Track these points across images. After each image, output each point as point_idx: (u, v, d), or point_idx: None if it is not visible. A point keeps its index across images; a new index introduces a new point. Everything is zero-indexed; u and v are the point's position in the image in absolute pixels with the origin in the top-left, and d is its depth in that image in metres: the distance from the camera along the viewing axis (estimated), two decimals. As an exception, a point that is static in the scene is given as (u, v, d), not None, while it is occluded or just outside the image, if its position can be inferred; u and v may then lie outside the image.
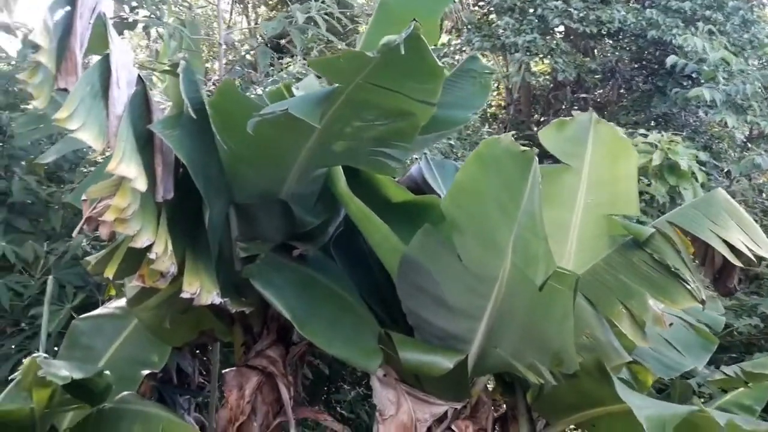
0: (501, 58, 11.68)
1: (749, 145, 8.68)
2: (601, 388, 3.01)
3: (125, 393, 2.91)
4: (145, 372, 3.51)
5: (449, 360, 2.93)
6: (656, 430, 2.55)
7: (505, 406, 3.66)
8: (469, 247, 2.70)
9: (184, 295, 2.43)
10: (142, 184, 2.04)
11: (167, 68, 2.34)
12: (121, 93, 2.11)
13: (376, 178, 3.15)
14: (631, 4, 9.81)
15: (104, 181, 2.19)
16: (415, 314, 3.10)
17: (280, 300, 2.78)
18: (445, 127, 3.23)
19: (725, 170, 8.55)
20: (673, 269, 2.95)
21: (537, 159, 2.18)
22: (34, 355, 2.30)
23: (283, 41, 4.56)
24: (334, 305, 3.00)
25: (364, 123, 2.47)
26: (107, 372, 2.82)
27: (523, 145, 2.32)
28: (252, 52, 4.11)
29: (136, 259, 2.35)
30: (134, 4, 3.38)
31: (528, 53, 9.58)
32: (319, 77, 3.37)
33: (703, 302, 2.92)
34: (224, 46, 3.80)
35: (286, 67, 4.65)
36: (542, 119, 12.21)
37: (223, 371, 3.24)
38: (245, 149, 2.57)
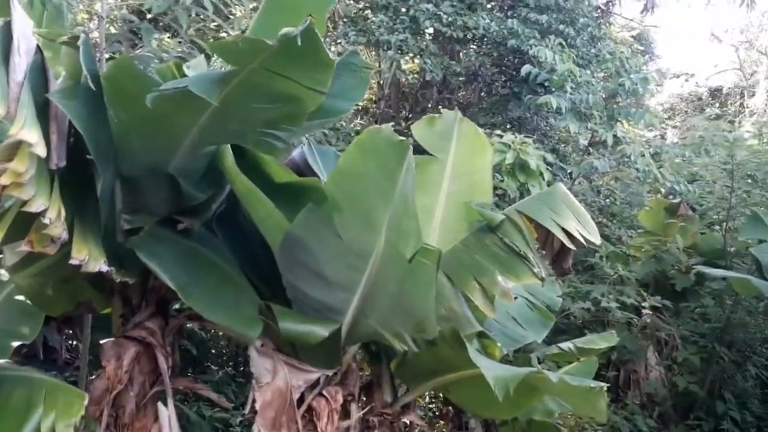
0: (374, 53, 12.10)
1: (590, 150, 9.69)
2: (456, 355, 3.41)
3: (1, 360, 2.89)
4: (16, 343, 3.47)
5: (325, 329, 3.20)
6: (501, 388, 2.96)
7: (370, 373, 3.99)
8: (348, 225, 2.98)
9: (73, 261, 2.49)
10: (42, 150, 2.10)
11: (66, 40, 2.38)
12: (22, 60, 2.15)
13: (262, 159, 3.33)
14: (495, 13, 10.55)
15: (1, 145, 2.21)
16: (294, 287, 3.33)
17: (164, 270, 2.90)
18: (327, 116, 3.47)
19: (569, 171, 9.49)
20: (519, 251, 3.40)
21: (411, 148, 2.49)
22: None
23: (165, 20, 4.57)
24: (217, 277, 3.16)
25: (256, 105, 2.66)
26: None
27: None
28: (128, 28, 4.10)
29: (24, 224, 2.38)
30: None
31: (400, 51, 10.03)
32: (208, 58, 3.49)
33: (542, 279, 3.40)
34: (105, 19, 3.79)
35: (162, 44, 4.65)
36: (410, 115, 12.77)
37: (101, 341, 3.28)
38: (136, 122, 2.66)
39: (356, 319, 3.34)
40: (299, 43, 2.19)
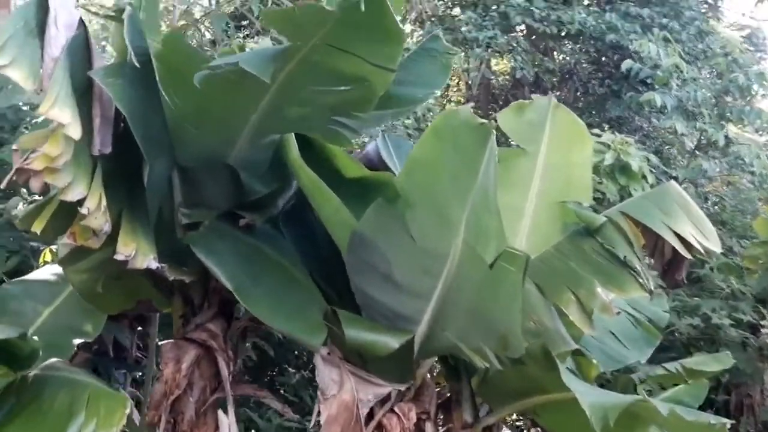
0: (463, 53, 11.72)
1: (697, 153, 8.89)
2: (546, 375, 2.99)
3: (53, 360, 2.74)
4: (78, 341, 3.35)
5: (395, 340, 2.87)
6: (599, 418, 2.53)
7: (448, 390, 3.62)
8: (421, 223, 2.64)
9: (118, 256, 2.29)
10: (75, 132, 1.89)
11: (111, 13, 2.19)
12: (59, 34, 1.96)
13: (331, 151, 3.05)
14: (591, 8, 9.92)
15: (38, 131, 2.04)
16: (363, 292, 3.03)
17: (223, 269, 2.67)
18: (403, 105, 3.16)
19: (674, 175, 8.73)
20: (623, 259, 2.94)
21: (494, 133, 2.12)
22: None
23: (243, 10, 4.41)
24: (280, 278, 2.90)
25: (319, 88, 2.38)
26: (35, 337, 2.66)
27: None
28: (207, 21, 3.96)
29: (68, 214, 2.20)
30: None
31: (488, 49, 9.59)
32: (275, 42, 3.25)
33: (650, 292, 2.93)
34: (178, 9, 3.64)
35: (243, 38, 4.50)
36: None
37: (160, 343, 3.10)
38: (191, 107, 2.43)
39: (431, 330, 2.99)
40: (362, 9, 1.87)
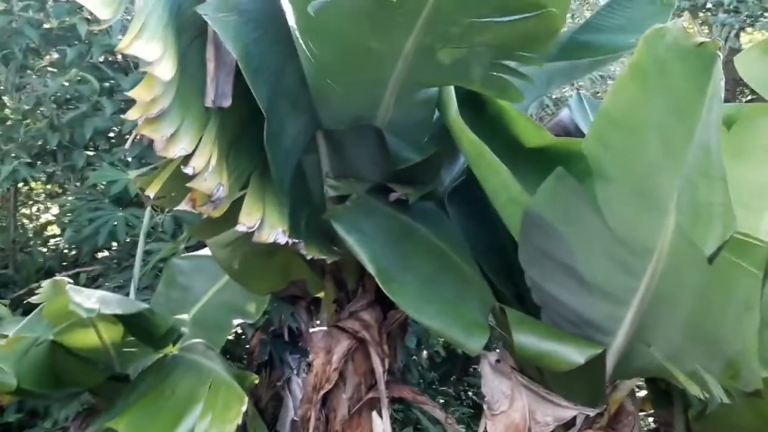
0: (701, 23, 10.09)
1: None
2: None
3: (195, 341, 2.59)
4: (238, 321, 3.22)
5: (580, 353, 2.22)
6: None
7: (655, 419, 2.86)
8: (616, 200, 1.98)
9: (240, 227, 1.99)
10: (165, 70, 1.60)
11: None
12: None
13: (506, 112, 2.48)
14: None
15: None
16: (540, 288, 2.42)
17: (365, 248, 2.25)
18: (602, 53, 2.48)
19: None
20: None
21: (720, 58, 1.41)
22: (57, 278, 1.99)
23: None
24: (436, 263, 2.41)
25: (476, 20, 1.84)
26: (175, 316, 2.51)
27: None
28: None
29: (182, 184, 1.94)
30: None
31: (736, 13, 8.08)
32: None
33: None
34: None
35: None
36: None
37: (311, 330, 2.80)
38: (332, 56, 2.05)
39: (631, 345, 2.30)
40: None
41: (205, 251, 3.45)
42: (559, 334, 2.35)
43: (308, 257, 2.31)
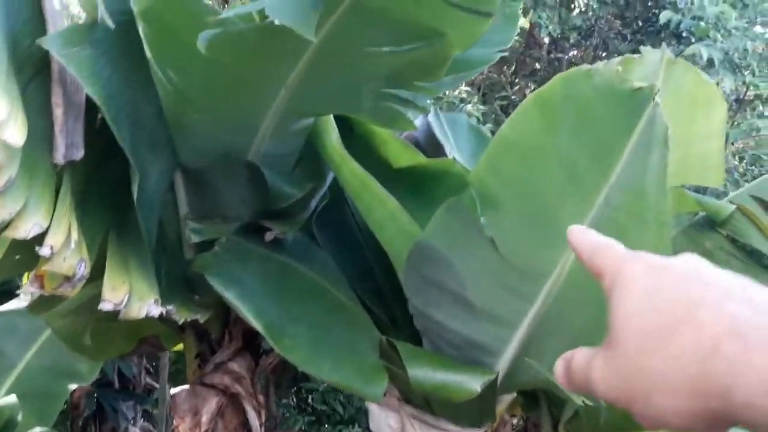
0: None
1: (746, 110, 8.15)
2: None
3: (37, 430, 2.10)
4: (72, 386, 2.72)
5: (475, 380, 2.18)
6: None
7: (525, 422, 2.98)
8: (510, 230, 1.95)
9: (104, 305, 1.61)
10: (14, 135, 1.19)
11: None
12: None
13: (376, 134, 2.35)
14: (620, -45, 9.10)
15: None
16: (425, 316, 2.34)
17: (247, 303, 1.97)
18: (465, 68, 2.44)
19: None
20: (764, 257, 2.27)
21: (657, 104, 1.41)
22: None
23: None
24: (322, 306, 2.21)
25: (374, 48, 1.66)
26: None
27: (502, 105, 1.57)
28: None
29: (31, 249, 1.50)
30: None
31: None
32: None
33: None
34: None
35: None
36: (515, 79, 11.52)
37: (173, 391, 2.43)
38: (195, 84, 1.73)
39: (516, 363, 2.32)
40: None
41: (13, 305, 2.86)
42: (452, 363, 2.29)
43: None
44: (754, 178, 8.37)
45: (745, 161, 8.95)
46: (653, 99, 1.41)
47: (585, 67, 1.46)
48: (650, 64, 2.38)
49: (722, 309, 0.47)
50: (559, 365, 0.62)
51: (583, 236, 0.60)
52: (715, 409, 0.46)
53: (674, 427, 0.49)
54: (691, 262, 0.53)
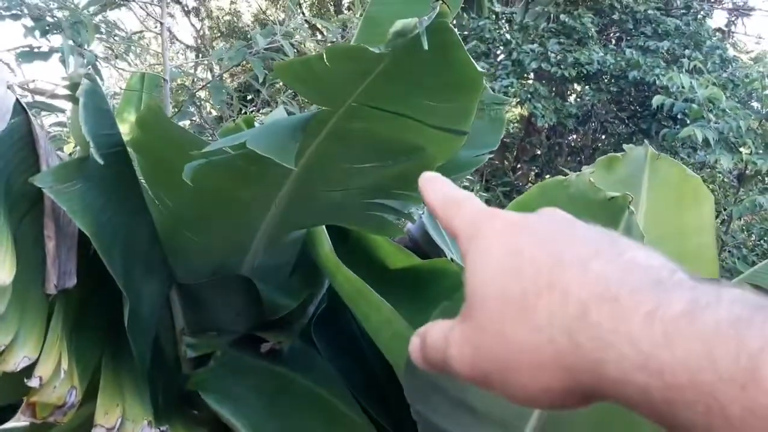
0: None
1: (744, 187, 8.21)
2: None
3: None
4: None
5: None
6: None
7: None
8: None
9: (97, 430, 1.59)
10: (4, 272, 1.24)
11: (57, 92, 1.57)
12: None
13: (369, 239, 2.39)
14: (610, 47, 9.46)
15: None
16: (428, 422, 2.29)
17: (241, 419, 1.95)
18: (453, 173, 2.50)
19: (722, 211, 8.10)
20: None
21: (632, 212, 1.44)
22: None
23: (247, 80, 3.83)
24: (320, 418, 2.18)
25: (357, 165, 1.72)
26: None
27: (505, 191, 1.61)
28: (203, 91, 3.38)
29: (19, 377, 1.52)
30: (47, 27, 2.61)
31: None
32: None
33: None
34: (169, 83, 3.04)
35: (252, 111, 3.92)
36: (517, 165, 11.74)
37: None
38: (188, 207, 1.79)
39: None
40: (426, 47, 1.22)
41: (14, 423, 2.82)
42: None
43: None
44: (764, 252, 8.31)
45: (753, 237, 8.92)
46: (628, 208, 1.44)
47: (559, 177, 1.51)
48: (634, 160, 2.44)
49: (588, 269, 0.40)
50: (413, 342, 0.52)
51: (436, 187, 0.52)
52: (586, 385, 0.40)
53: (545, 405, 0.42)
54: (555, 216, 0.46)
